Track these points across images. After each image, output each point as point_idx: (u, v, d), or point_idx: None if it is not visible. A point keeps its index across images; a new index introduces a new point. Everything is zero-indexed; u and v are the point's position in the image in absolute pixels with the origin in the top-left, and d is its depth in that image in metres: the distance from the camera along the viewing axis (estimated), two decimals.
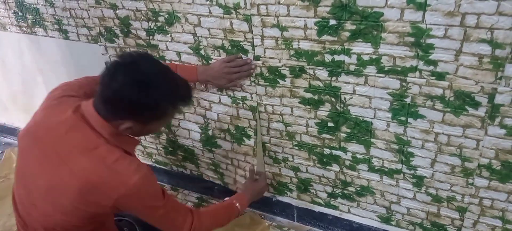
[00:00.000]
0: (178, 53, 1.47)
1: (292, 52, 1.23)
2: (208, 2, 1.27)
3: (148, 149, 1.91)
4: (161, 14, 1.39)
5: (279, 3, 1.16)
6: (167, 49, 1.48)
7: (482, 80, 1.01)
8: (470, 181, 1.20)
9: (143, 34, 1.49)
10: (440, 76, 1.06)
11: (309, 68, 1.24)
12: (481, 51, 0.97)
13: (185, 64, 1.46)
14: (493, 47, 0.95)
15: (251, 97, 1.42)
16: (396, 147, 1.26)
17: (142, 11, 1.43)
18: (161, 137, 1.79)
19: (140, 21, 1.46)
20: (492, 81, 1.00)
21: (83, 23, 1.64)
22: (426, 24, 1.00)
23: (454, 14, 0.96)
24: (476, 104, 1.05)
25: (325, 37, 1.15)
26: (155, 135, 1.80)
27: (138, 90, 0.94)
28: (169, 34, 1.43)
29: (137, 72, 0.95)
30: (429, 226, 1.38)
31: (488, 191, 1.19)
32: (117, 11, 1.49)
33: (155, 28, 1.45)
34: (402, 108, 1.17)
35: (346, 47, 1.14)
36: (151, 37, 1.48)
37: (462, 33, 0.97)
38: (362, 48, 1.12)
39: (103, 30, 1.60)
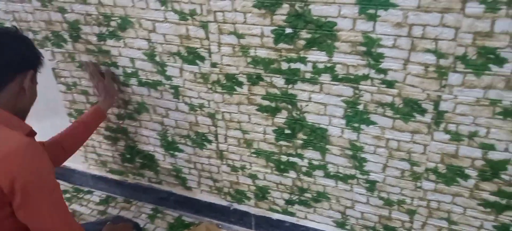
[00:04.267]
0: (132, 60, 1.42)
1: (249, 59, 1.23)
2: (163, 7, 1.24)
3: (103, 157, 1.82)
4: (113, 18, 1.34)
5: (235, 10, 1.16)
6: (120, 55, 1.43)
7: (428, 88, 1.07)
8: (419, 184, 1.26)
9: (94, 39, 1.43)
10: (390, 84, 1.11)
11: (266, 75, 1.24)
12: (427, 61, 1.03)
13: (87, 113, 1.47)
14: (438, 57, 1.01)
15: (209, 104, 1.40)
16: (350, 153, 1.29)
17: (92, 15, 1.37)
18: (119, 143, 1.72)
19: (90, 26, 1.40)
20: (437, 89, 1.06)
21: (28, 26, 1.54)
22: (377, 34, 1.04)
23: (402, 25, 1.01)
24: (423, 111, 1.11)
25: (281, 45, 1.17)
26: (112, 141, 1.72)
27: None
28: (122, 40, 1.38)
29: None
30: (382, 229, 1.43)
31: (434, 193, 1.25)
32: (66, 15, 1.42)
33: (107, 33, 1.39)
34: (355, 115, 1.21)
35: (301, 55, 1.16)
36: (102, 42, 1.42)
37: (410, 43, 1.02)
38: (317, 56, 1.14)
39: (50, 35, 1.51)
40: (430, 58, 1.02)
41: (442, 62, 1.02)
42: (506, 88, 0.99)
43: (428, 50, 1.01)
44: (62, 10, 1.41)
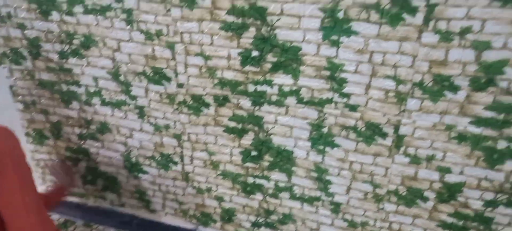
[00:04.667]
0: (95, 79, 1.38)
1: (216, 81, 1.23)
2: (129, 27, 1.23)
3: None
4: (76, 36, 1.31)
5: (202, 32, 1.16)
6: (83, 74, 1.39)
7: (389, 112, 1.11)
8: (381, 206, 1.28)
9: (55, 57, 1.38)
10: (353, 108, 1.14)
11: (233, 97, 1.24)
12: (387, 86, 1.07)
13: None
14: (397, 83, 1.05)
15: (175, 125, 1.38)
16: (315, 175, 1.31)
17: (54, 33, 1.33)
18: (80, 164, 1.65)
19: (52, 43, 1.36)
20: (397, 113, 1.10)
21: None
22: (340, 60, 1.07)
23: (363, 52, 1.04)
24: (384, 135, 1.15)
25: (248, 67, 1.17)
26: (72, 162, 1.66)
27: None
28: (85, 58, 1.35)
29: None
30: None
31: (396, 215, 1.28)
32: (26, 32, 1.37)
33: (69, 51, 1.35)
34: (320, 138, 1.22)
35: (268, 78, 1.17)
36: (64, 60, 1.38)
37: (371, 69, 1.06)
38: (283, 79, 1.16)
39: (9, 51, 1.45)
40: (390, 84, 1.06)
41: (401, 88, 1.06)
42: (460, 114, 1.04)
43: (388, 77, 1.05)
44: (22, 27, 1.36)
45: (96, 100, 1.43)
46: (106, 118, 1.47)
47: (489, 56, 0.94)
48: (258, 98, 1.22)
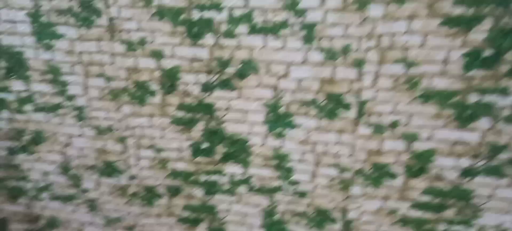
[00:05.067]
0: (45, 173, 1.35)
1: (168, 172, 1.24)
2: (80, 122, 1.24)
3: None
4: (26, 133, 1.30)
5: (153, 126, 1.19)
6: (32, 169, 1.36)
7: (336, 199, 1.14)
8: None
9: (3, 153, 1.36)
10: (302, 195, 1.16)
11: (186, 187, 1.25)
12: (331, 174, 1.12)
13: None
14: (340, 171, 1.10)
15: (127, 217, 1.35)
16: None
17: (3, 130, 1.32)
18: None
19: (0, 141, 1.34)
20: (343, 199, 1.14)
21: None
22: (285, 150, 1.12)
23: (306, 142, 1.10)
24: (333, 221, 1.17)
25: (199, 158, 1.20)
26: None
27: None
28: (35, 154, 1.33)
29: None
30: None
31: None
32: None
33: (18, 147, 1.33)
34: (273, 226, 1.23)
35: (219, 168, 1.20)
36: (13, 156, 1.35)
37: (315, 158, 1.11)
38: (234, 169, 1.19)
39: None
40: (334, 172, 1.11)
41: (345, 175, 1.10)
42: (400, 199, 1.08)
43: (331, 165, 1.10)
44: None
45: (45, 195, 1.39)
46: (55, 213, 1.42)
47: (418, 146, 1.01)
48: (211, 188, 1.23)
